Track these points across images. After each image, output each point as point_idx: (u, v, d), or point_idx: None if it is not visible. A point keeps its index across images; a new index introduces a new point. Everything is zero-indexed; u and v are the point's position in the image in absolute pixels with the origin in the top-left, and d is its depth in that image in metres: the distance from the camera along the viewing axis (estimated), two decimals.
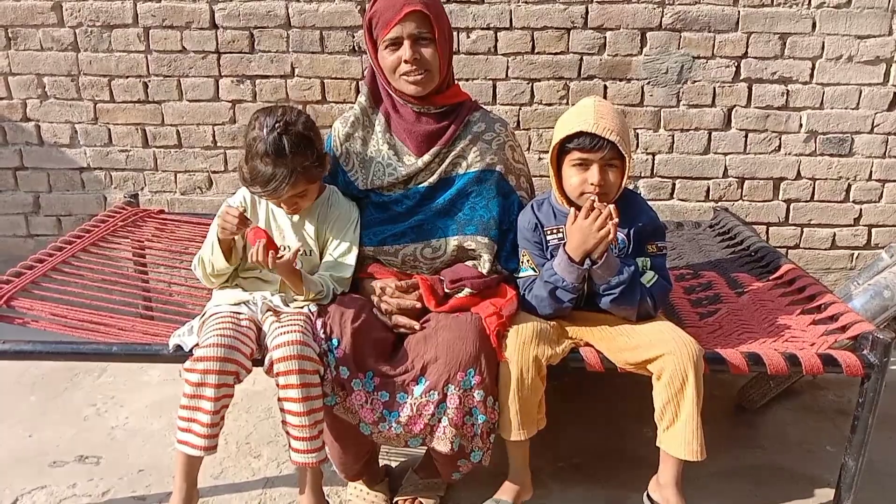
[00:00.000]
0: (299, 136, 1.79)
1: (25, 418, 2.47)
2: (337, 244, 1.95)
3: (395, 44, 1.86)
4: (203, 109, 2.96)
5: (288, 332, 1.69)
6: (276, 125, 1.77)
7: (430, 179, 1.98)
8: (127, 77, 2.92)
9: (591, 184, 1.78)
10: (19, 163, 3.05)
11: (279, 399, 1.72)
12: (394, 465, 2.22)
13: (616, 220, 1.74)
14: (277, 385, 1.71)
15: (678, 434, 1.74)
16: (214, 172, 3.04)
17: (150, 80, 2.92)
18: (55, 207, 3.10)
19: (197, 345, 1.74)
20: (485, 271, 1.95)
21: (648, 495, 1.88)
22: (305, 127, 1.82)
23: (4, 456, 2.26)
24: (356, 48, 2.86)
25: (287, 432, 1.74)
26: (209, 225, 2.62)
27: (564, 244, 1.82)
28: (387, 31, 1.84)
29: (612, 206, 1.74)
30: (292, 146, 1.77)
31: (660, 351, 1.72)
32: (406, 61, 1.85)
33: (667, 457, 1.80)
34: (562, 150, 1.83)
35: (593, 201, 1.76)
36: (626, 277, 1.79)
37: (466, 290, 1.90)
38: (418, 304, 1.87)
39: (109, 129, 2.99)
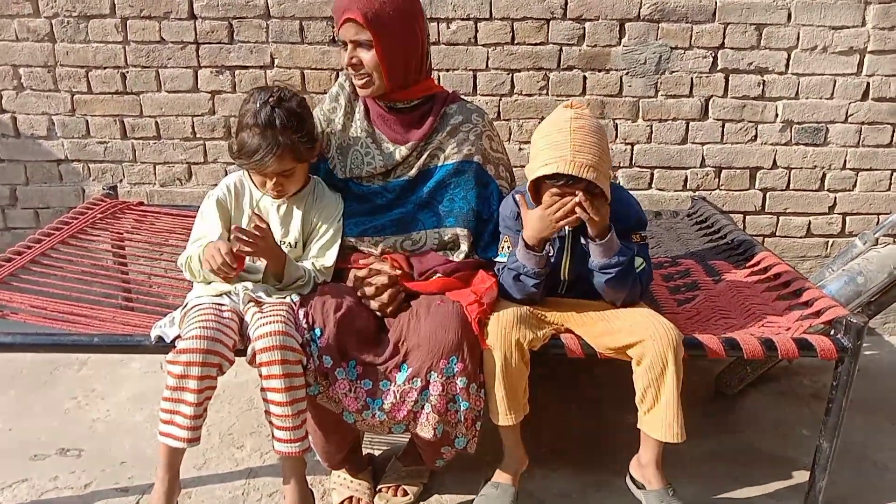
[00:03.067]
0: (290, 111, 1.81)
1: (5, 412, 2.46)
2: (321, 234, 1.95)
3: (343, 44, 1.89)
4: (182, 100, 2.93)
5: (270, 323, 1.69)
6: (269, 99, 1.80)
7: (410, 173, 1.99)
8: (105, 68, 2.89)
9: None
10: None
11: (262, 389, 1.73)
12: (377, 453, 2.24)
13: (583, 201, 1.72)
14: (260, 375, 1.71)
15: (659, 416, 1.77)
16: (194, 164, 3.02)
17: (128, 71, 2.89)
18: (32, 200, 3.07)
19: (179, 336, 1.74)
20: (458, 259, 1.97)
21: (630, 476, 1.91)
22: (298, 105, 1.85)
23: None
24: (336, 38, 2.84)
25: (270, 422, 1.74)
26: (189, 217, 2.66)
27: (522, 233, 1.83)
28: (336, 31, 1.89)
29: (580, 194, 1.73)
30: (282, 120, 1.79)
31: (640, 336, 1.75)
32: (346, 65, 1.88)
33: (647, 438, 1.83)
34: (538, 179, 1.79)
35: (555, 194, 1.75)
36: (626, 259, 1.81)
37: (437, 276, 1.92)
38: (395, 274, 1.89)
39: (87, 121, 2.96)
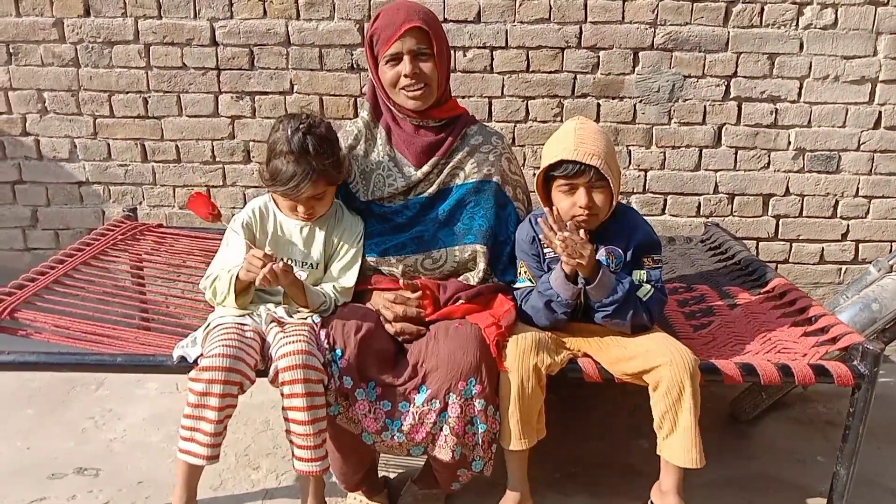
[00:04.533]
0: (321, 137, 1.85)
1: (23, 430, 2.47)
2: (342, 256, 1.98)
3: (395, 59, 1.91)
4: (202, 125, 2.99)
5: (293, 343, 1.71)
6: (300, 126, 1.83)
7: (430, 190, 2.03)
8: (127, 93, 2.95)
9: (580, 207, 1.83)
10: (18, 177, 3.07)
11: (284, 409, 1.74)
12: (392, 476, 2.24)
13: (585, 244, 1.77)
14: (282, 395, 1.73)
15: (678, 442, 1.77)
16: (213, 187, 3.06)
17: (150, 96, 2.96)
18: (53, 221, 3.12)
19: (201, 355, 1.76)
20: (476, 280, 1.99)
21: (652, 502, 1.91)
22: (327, 130, 1.89)
23: (2, 468, 2.26)
24: (354, 65, 2.90)
25: (291, 441, 1.75)
26: (207, 239, 2.69)
27: (561, 263, 1.85)
28: (387, 46, 1.89)
29: (581, 233, 1.78)
30: (314, 146, 1.82)
31: (657, 362, 1.76)
32: (406, 76, 1.90)
33: (667, 465, 1.83)
34: (548, 177, 1.87)
35: (565, 237, 1.77)
36: (620, 296, 1.83)
37: (460, 301, 1.94)
38: (423, 312, 1.90)
39: (109, 144, 3.02)
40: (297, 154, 1.82)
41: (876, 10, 2.81)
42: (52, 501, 2.12)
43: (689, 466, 1.77)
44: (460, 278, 2.02)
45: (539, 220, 1.85)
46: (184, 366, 1.81)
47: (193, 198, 1.98)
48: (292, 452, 1.76)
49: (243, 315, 1.85)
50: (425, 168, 2.02)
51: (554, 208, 1.86)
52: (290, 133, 1.83)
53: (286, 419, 1.74)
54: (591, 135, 1.83)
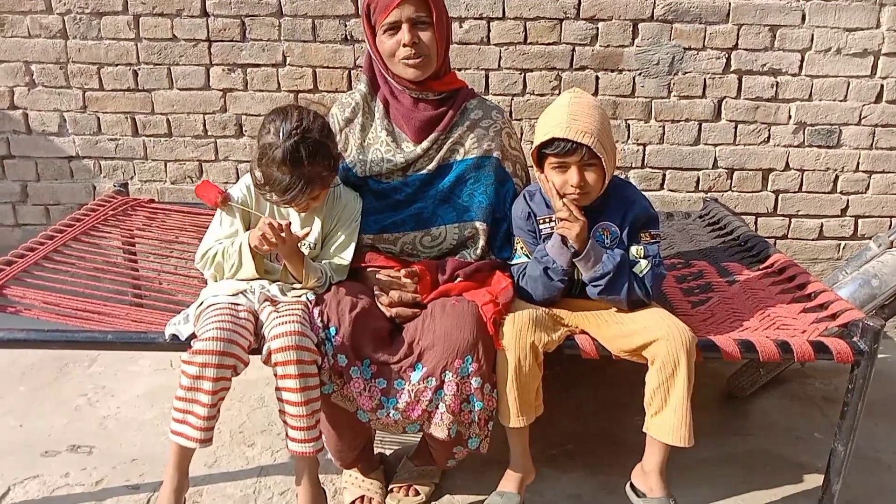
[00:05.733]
0: (316, 143, 1.76)
1: (16, 408, 2.46)
2: (339, 233, 1.95)
3: (394, 28, 1.86)
4: (194, 98, 2.94)
5: (286, 323, 1.69)
6: (294, 132, 1.73)
7: (429, 166, 1.99)
8: (116, 65, 2.89)
9: (571, 185, 1.80)
10: (6, 151, 3.02)
11: (277, 389, 1.72)
12: (388, 453, 2.23)
13: (580, 220, 1.79)
14: (275, 375, 1.70)
15: (667, 419, 1.75)
16: (205, 161, 3.02)
17: (139, 69, 2.90)
18: (43, 197, 3.07)
19: (193, 335, 1.74)
20: (473, 257, 1.96)
21: (632, 484, 1.89)
22: (322, 133, 1.79)
23: None
24: (348, 37, 2.85)
25: (285, 422, 1.74)
26: (200, 215, 2.66)
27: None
28: (385, 15, 1.84)
29: (573, 208, 1.79)
30: (309, 155, 1.74)
31: (653, 336, 1.74)
32: (405, 45, 1.86)
33: (653, 442, 1.81)
34: (541, 153, 1.84)
35: (553, 166, 1.81)
36: (611, 268, 1.81)
37: (458, 279, 1.92)
38: (418, 297, 1.88)
39: (98, 118, 2.97)
40: (290, 164, 1.73)
41: None
42: (45, 479, 2.10)
43: (677, 444, 1.74)
44: (457, 256, 1.99)
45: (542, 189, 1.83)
46: (176, 343, 1.79)
47: (200, 186, 1.92)
48: (286, 433, 1.74)
49: (236, 294, 1.82)
50: (425, 144, 1.98)
51: (550, 183, 1.83)
52: (282, 139, 1.73)
53: (279, 399, 1.72)
54: (586, 110, 1.78)
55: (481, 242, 1.98)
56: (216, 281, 1.89)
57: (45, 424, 2.37)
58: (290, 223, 1.79)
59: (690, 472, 2.16)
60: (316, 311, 1.77)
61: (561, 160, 1.79)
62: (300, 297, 1.83)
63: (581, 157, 1.77)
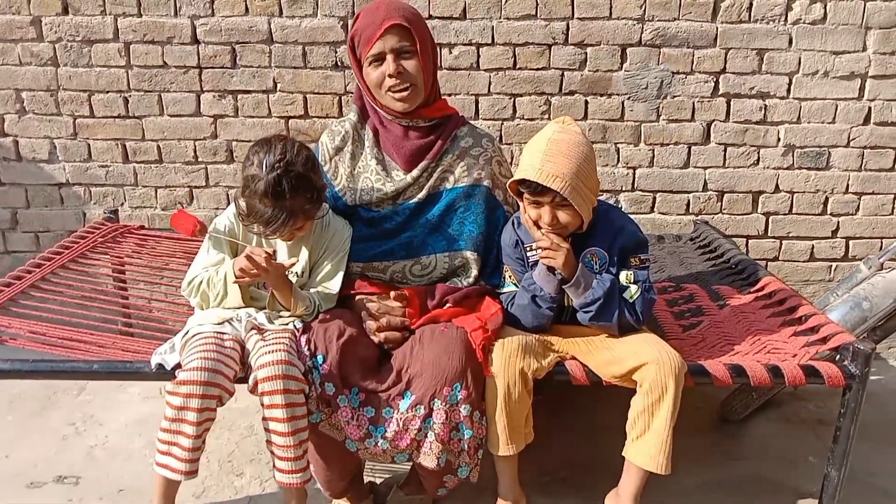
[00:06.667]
0: (300, 177, 1.75)
1: (2, 438, 2.43)
2: (326, 262, 1.94)
3: (379, 59, 1.87)
4: (184, 124, 2.94)
5: (273, 352, 1.67)
6: (277, 165, 1.72)
7: (419, 195, 1.98)
8: (107, 92, 2.90)
9: (545, 222, 1.80)
10: None
11: (264, 419, 1.70)
12: (378, 481, 2.20)
13: (562, 247, 1.78)
14: (262, 405, 1.69)
15: (647, 444, 1.74)
16: (196, 188, 3.01)
17: (130, 95, 2.90)
18: (33, 224, 3.06)
19: (179, 364, 1.72)
20: (467, 284, 1.96)
21: None
22: (305, 166, 1.77)
23: None
24: (339, 63, 2.86)
25: (272, 452, 1.72)
26: (190, 241, 2.64)
27: None
28: (369, 46, 1.85)
29: (553, 237, 1.78)
30: (292, 188, 1.73)
31: (643, 360, 1.73)
32: (390, 75, 1.86)
33: (630, 468, 1.79)
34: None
35: (528, 201, 1.81)
36: (601, 294, 1.80)
37: (447, 305, 1.91)
38: (406, 321, 1.86)
39: (89, 145, 2.96)
40: (273, 197, 1.73)
41: (865, 5, 2.78)
42: None
43: (654, 471, 1.73)
44: (448, 283, 1.98)
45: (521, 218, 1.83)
46: (162, 373, 1.78)
47: (175, 217, 1.91)
48: (273, 463, 1.72)
49: (222, 322, 1.80)
50: (415, 172, 1.97)
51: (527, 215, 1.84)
52: (265, 172, 1.72)
53: (266, 429, 1.70)
54: (564, 150, 1.74)
55: (473, 272, 1.97)
56: (202, 309, 1.88)
57: (32, 455, 2.34)
58: (274, 251, 1.79)
59: (684, 497, 2.14)
60: (303, 339, 1.76)
61: (534, 199, 1.79)
62: (287, 324, 1.82)
63: (553, 199, 1.76)
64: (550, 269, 1.82)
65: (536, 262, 1.87)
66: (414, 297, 1.90)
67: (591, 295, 1.81)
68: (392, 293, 1.90)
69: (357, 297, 1.93)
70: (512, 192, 1.88)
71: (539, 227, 1.82)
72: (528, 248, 1.93)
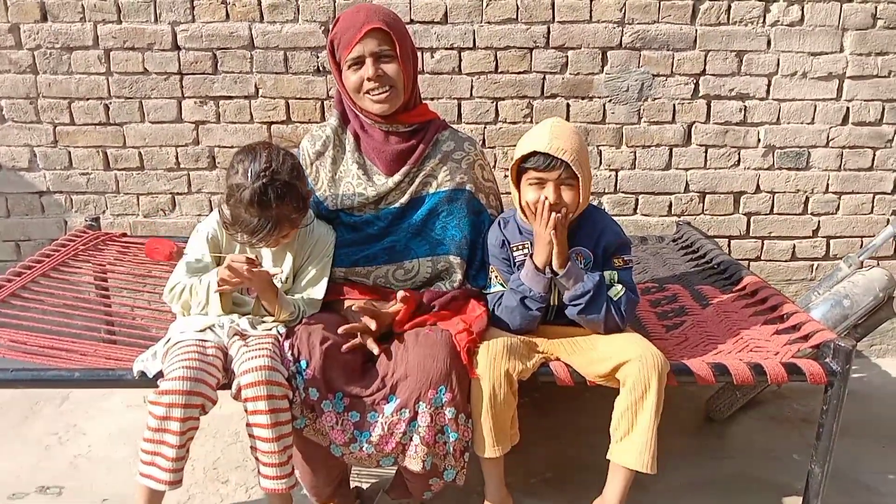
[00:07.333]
0: (285, 185, 1.74)
1: None
2: (310, 268, 1.93)
3: (358, 62, 1.87)
4: (166, 131, 2.92)
5: (256, 358, 1.67)
6: (262, 174, 1.71)
7: (402, 200, 1.98)
8: (87, 99, 2.88)
9: (547, 200, 1.80)
10: None
11: (248, 425, 1.69)
12: (364, 486, 2.20)
13: (556, 209, 1.79)
14: (246, 411, 1.68)
15: (632, 443, 1.74)
16: (178, 194, 3.00)
17: (111, 102, 2.88)
18: (14, 232, 3.03)
19: (161, 373, 1.71)
20: (451, 288, 1.96)
21: None
22: (291, 175, 1.76)
23: None
24: (320, 68, 2.85)
25: (256, 458, 1.71)
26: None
27: (531, 256, 1.86)
28: (348, 50, 1.85)
29: (547, 200, 1.79)
30: (278, 197, 1.72)
31: (626, 357, 1.74)
32: (369, 79, 1.86)
33: (616, 470, 1.79)
34: (521, 169, 1.85)
35: (531, 181, 1.82)
36: (591, 286, 1.82)
37: (434, 309, 1.91)
38: (398, 307, 1.86)
39: (70, 152, 2.94)
40: (258, 207, 1.72)
41: (841, 7, 2.81)
42: None
43: (640, 470, 1.73)
44: (433, 287, 1.98)
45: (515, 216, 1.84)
46: (144, 381, 1.76)
47: (148, 245, 1.88)
48: (258, 469, 1.71)
49: (204, 329, 1.79)
50: (396, 177, 1.97)
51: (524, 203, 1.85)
52: (250, 181, 1.71)
53: (251, 436, 1.69)
54: (566, 133, 1.82)
55: (458, 276, 1.97)
56: (184, 316, 1.87)
57: (14, 465, 2.31)
58: (258, 257, 1.78)
59: (670, 496, 2.14)
60: (286, 345, 1.75)
61: (539, 175, 1.81)
62: (270, 330, 1.81)
63: (559, 175, 1.79)
64: (538, 269, 1.82)
65: (523, 262, 1.88)
66: (412, 301, 1.90)
67: (581, 287, 1.82)
68: (399, 294, 1.88)
69: (347, 306, 1.92)
70: (512, 177, 1.89)
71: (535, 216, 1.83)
72: (514, 248, 1.94)
